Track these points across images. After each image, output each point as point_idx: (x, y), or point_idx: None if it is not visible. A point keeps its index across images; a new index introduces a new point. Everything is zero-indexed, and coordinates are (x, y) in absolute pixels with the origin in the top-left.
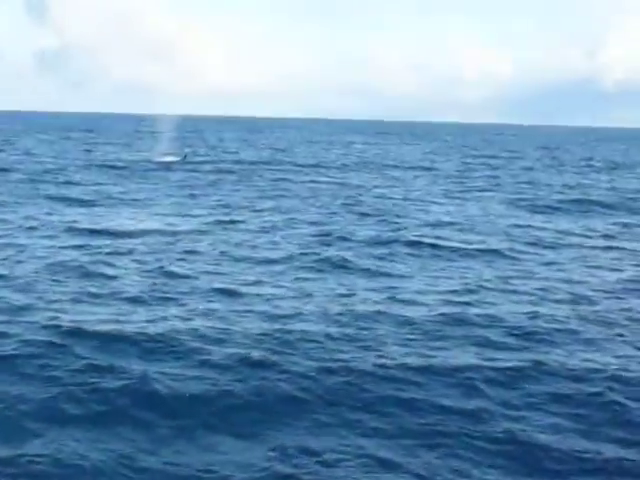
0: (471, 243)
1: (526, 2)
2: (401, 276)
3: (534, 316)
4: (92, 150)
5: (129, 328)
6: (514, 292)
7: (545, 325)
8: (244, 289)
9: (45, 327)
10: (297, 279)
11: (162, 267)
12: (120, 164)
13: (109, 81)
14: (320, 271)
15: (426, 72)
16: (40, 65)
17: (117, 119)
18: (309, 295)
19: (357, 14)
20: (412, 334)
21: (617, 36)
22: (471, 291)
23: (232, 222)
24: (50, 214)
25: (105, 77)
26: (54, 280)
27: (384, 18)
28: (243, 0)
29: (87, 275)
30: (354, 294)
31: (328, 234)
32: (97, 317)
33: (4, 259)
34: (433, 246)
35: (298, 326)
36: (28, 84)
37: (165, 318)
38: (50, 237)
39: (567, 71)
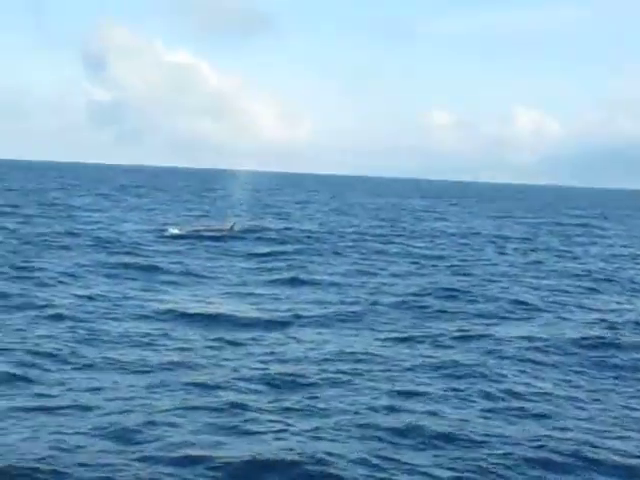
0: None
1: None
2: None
3: None
4: (154, 209)
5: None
6: None
7: None
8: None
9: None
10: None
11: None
12: (184, 233)
13: (162, 136)
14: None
15: (474, 131)
16: (97, 118)
17: (171, 173)
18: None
19: (407, 75)
20: None
21: None
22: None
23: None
24: (128, 291)
25: (159, 132)
26: (151, 390)
27: (434, 78)
28: (293, 63)
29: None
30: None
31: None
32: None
33: (88, 365)
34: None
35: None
36: (85, 136)
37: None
38: (139, 318)
39: (615, 133)
